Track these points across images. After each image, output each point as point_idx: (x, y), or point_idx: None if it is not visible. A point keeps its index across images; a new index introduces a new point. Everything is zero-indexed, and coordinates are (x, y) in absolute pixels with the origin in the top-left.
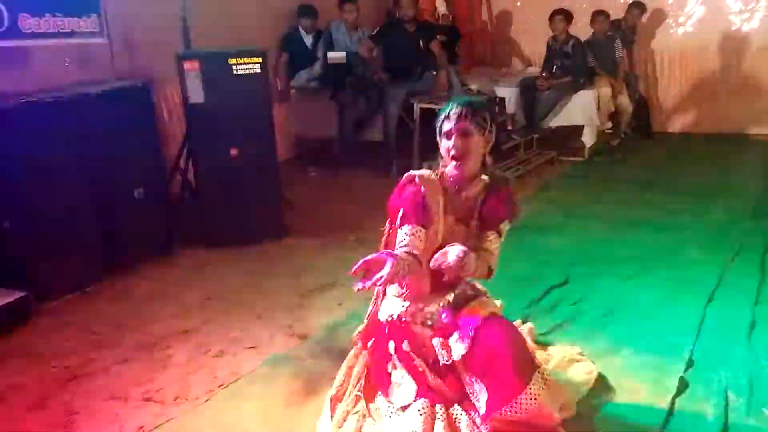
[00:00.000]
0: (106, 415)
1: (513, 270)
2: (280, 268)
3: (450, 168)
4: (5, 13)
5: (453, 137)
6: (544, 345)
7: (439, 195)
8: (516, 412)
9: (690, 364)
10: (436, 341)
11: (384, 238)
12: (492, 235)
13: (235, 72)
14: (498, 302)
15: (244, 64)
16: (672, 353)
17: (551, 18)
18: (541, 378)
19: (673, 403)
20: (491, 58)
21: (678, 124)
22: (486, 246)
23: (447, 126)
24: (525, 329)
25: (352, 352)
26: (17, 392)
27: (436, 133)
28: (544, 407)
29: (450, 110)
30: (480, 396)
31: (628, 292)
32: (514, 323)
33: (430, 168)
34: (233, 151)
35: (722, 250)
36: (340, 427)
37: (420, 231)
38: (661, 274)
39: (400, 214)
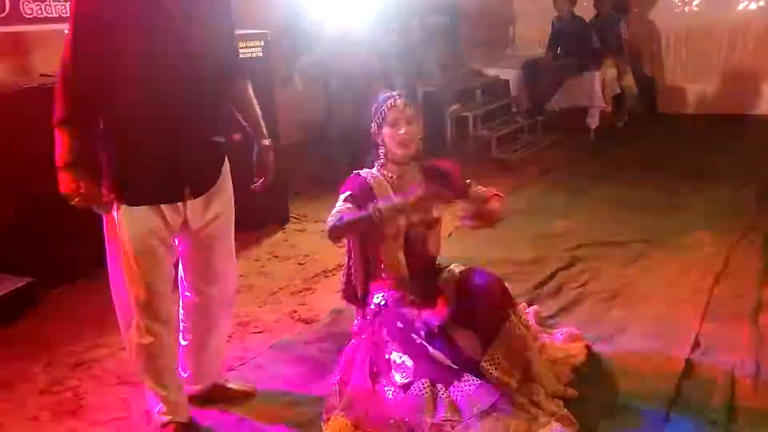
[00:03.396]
0: (113, 399)
1: (518, 253)
2: (284, 253)
3: (394, 153)
4: None
5: (401, 124)
6: (549, 328)
7: (387, 187)
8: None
9: (696, 346)
10: (425, 313)
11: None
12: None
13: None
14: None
15: (246, 47)
16: (678, 336)
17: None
18: (518, 317)
19: (679, 385)
20: (494, 40)
21: (684, 104)
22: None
23: (394, 115)
24: (531, 312)
25: (352, 342)
26: (25, 378)
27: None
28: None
29: (393, 101)
30: (474, 345)
31: (634, 274)
32: (520, 306)
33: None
34: (236, 136)
35: (728, 231)
36: (346, 411)
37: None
38: (667, 256)
39: (346, 197)
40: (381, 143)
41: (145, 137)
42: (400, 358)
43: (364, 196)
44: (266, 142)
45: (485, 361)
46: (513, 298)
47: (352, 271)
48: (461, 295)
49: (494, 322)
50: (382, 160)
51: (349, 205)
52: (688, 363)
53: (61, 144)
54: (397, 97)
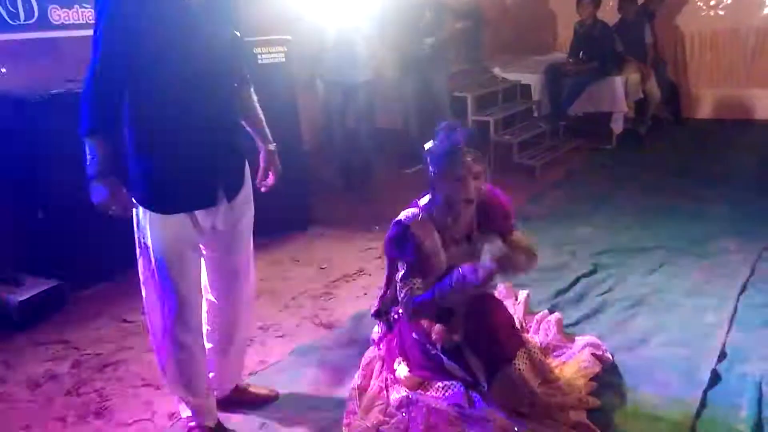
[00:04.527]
0: (138, 402)
1: (540, 259)
2: (305, 258)
3: (457, 208)
4: (35, 5)
5: (466, 180)
6: (571, 336)
7: (434, 234)
8: (502, 383)
9: (722, 356)
10: (438, 327)
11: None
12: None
13: (260, 61)
14: (525, 291)
15: (269, 53)
16: (703, 345)
17: (578, 2)
18: (527, 354)
19: (705, 396)
20: (516, 44)
21: (709, 109)
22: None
23: (460, 172)
24: (553, 319)
25: (370, 349)
26: (52, 379)
27: (429, 168)
28: (527, 381)
29: (456, 152)
30: (480, 373)
31: (658, 282)
32: (542, 313)
33: (418, 208)
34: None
35: (755, 239)
36: (366, 416)
37: (421, 282)
38: (692, 264)
39: (407, 269)
40: (440, 190)
41: (181, 145)
42: (403, 373)
43: (421, 257)
44: (272, 146)
45: (489, 398)
46: (522, 338)
47: (388, 295)
48: (469, 318)
49: (496, 362)
50: (431, 204)
51: (417, 280)
52: (714, 373)
53: (93, 154)
54: (467, 152)
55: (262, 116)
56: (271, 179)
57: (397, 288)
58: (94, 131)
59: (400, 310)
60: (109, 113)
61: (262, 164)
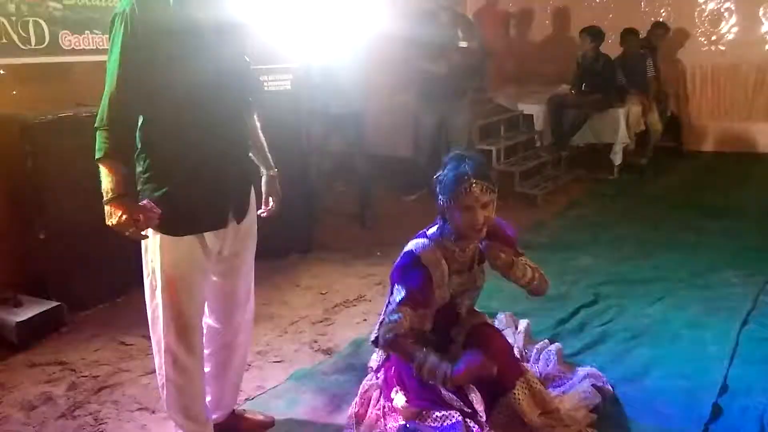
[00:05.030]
0: (134, 426)
1: None
2: (305, 283)
3: (466, 237)
4: (47, 31)
5: (473, 210)
6: (571, 365)
7: (442, 265)
8: (501, 413)
9: (724, 389)
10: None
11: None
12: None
13: (266, 87)
14: (525, 321)
15: (276, 80)
16: (705, 378)
17: (580, 36)
18: (526, 384)
19: (706, 429)
20: (520, 75)
21: (710, 142)
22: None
23: (468, 201)
24: (553, 349)
25: (368, 377)
26: (48, 401)
27: (438, 198)
28: (525, 412)
29: (464, 182)
30: (478, 403)
31: (659, 313)
32: (542, 342)
33: (427, 238)
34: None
35: (757, 271)
36: None
37: (424, 312)
38: (693, 295)
39: (406, 294)
40: (449, 220)
41: (194, 170)
42: (401, 402)
43: (422, 295)
44: (273, 172)
45: (487, 428)
46: (521, 367)
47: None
48: (467, 347)
49: (495, 392)
50: (441, 233)
51: (408, 311)
52: (716, 407)
53: (110, 177)
54: (474, 181)
55: (264, 141)
56: (269, 208)
57: (387, 310)
58: (110, 156)
59: (377, 329)
60: (124, 139)
61: (264, 189)
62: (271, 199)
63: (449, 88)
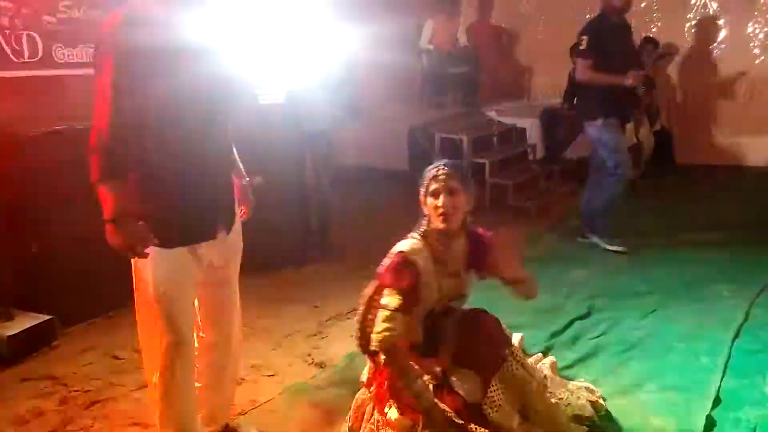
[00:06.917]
0: None
1: (534, 301)
2: (299, 296)
3: (436, 225)
4: (40, 44)
5: (441, 196)
6: (566, 379)
7: (429, 265)
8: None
9: (717, 402)
10: (426, 361)
11: (368, 299)
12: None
13: (260, 101)
14: (519, 334)
15: (269, 93)
16: (698, 391)
17: (571, 50)
18: (514, 357)
19: None
20: (513, 89)
21: (701, 156)
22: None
23: (434, 185)
24: (547, 363)
25: (361, 391)
26: (39, 416)
27: (420, 193)
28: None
29: (435, 171)
30: (475, 386)
31: (652, 326)
32: (536, 356)
33: (414, 236)
34: (258, 178)
35: (749, 284)
36: None
37: (410, 318)
38: (686, 308)
39: (399, 299)
40: (425, 213)
41: (186, 184)
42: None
43: (414, 293)
44: (245, 181)
45: (485, 404)
46: (509, 338)
47: (366, 323)
48: (462, 336)
49: (494, 362)
50: (425, 229)
51: (402, 317)
52: (709, 419)
53: (110, 197)
54: (441, 167)
55: (235, 151)
56: (244, 213)
57: (381, 316)
58: (108, 177)
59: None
60: (120, 159)
61: (237, 197)
62: (243, 207)
63: None
